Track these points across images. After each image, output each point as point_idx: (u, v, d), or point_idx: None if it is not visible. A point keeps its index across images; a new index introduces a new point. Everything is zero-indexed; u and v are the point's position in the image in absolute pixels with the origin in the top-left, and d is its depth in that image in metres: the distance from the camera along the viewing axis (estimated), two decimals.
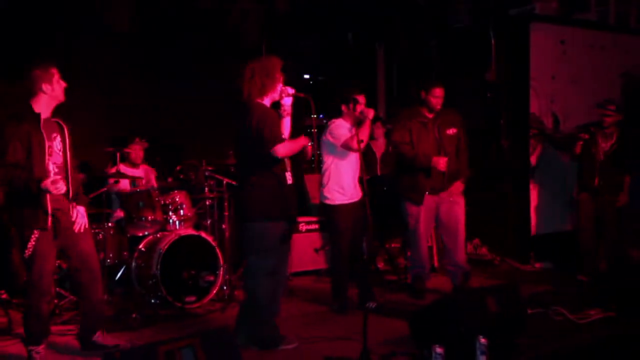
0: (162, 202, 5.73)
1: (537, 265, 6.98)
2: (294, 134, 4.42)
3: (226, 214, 5.96)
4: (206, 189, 6.04)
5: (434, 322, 3.96)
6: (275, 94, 4.24)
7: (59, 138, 4.03)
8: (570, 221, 7.26)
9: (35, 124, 3.91)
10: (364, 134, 4.95)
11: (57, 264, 4.16)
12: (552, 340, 4.35)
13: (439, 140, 5.51)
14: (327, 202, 5.14)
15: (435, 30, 7.74)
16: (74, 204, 4.10)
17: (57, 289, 5.12)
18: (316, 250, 6.74)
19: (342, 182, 5.08)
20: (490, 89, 7.21)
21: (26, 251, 3.87)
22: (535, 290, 5.71)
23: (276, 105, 4.32)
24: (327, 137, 5.15)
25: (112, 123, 6.58)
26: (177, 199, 5.79)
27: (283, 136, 4.23)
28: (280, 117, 4.28)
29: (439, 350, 3.53)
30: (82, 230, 4.12)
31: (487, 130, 7.27)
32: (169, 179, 6.35)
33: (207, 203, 6.09)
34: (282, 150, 4.09)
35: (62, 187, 3.81)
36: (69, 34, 6.31)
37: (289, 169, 4.29)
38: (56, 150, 4.01)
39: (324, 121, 7.96)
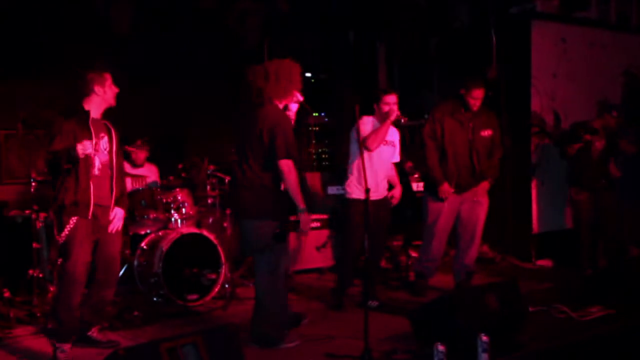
0: (164, 200, 5.73)
1: (538, 263, 6.99)
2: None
3: (228, 212, 5.96)
4: (208, 187, 6.05)
5: (435, 320, 3.97)
6: (291, 99, 4.27)
7: (106, 138, 4.18)
8: (571, 219, 7.27)
9: (83, 121, 4.05)
10: (378, 133, 4.96)
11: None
12: (553, 337, 4.35)
13: (472, 141, 5.46)
14: (347, 195, 5.15)
15: (436, 28, 7.73)
16: (114, 205, 4.21)
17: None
18: (318, 248, 6.74)
19: (360, 179, 5.01)
20: (491, 87, 7.19)
21: (62, 234, 3.97)
22: (536, 287, 5.71)
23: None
24: (353, 133, 5.13)
25: (113, 121, 6.54)
26: (179, 197, 5.79)
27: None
28: None
29: (441, 348, 3.53)
30: (113, 232, 4.21)
31: None
32: (171, 177, 6.34)
33: (209, 201, 6.10)
34: (287, 168, 4.06)
35: (88, 147, 3.89)
36: (69, 32, 6.31)
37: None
38: (102, 148, 4.14)
39: (325, 120, 8.01)
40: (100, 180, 4.11)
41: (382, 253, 5.45)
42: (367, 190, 4.29)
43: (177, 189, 5.86)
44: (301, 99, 4.30)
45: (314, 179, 7.39)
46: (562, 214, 7.29)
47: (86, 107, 4.14)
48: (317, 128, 7.88)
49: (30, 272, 5.12)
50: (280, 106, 4.24)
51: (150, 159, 6.43)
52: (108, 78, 4.19)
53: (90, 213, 4.02)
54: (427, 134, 5.51)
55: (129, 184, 6.12)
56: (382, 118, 5.05)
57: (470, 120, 5.47)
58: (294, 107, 4.33)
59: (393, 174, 5.30)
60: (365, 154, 4.98)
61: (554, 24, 7.29)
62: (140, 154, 6.28)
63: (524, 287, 4.61)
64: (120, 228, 4.27)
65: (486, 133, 5.52)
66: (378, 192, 5.09)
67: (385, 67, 8.50)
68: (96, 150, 4.07)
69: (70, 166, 3.94)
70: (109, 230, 4.19)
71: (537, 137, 7.16)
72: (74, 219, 3.98)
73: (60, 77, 5.48)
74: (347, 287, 5.21)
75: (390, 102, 5.03)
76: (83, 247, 4.02)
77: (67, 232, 3.97)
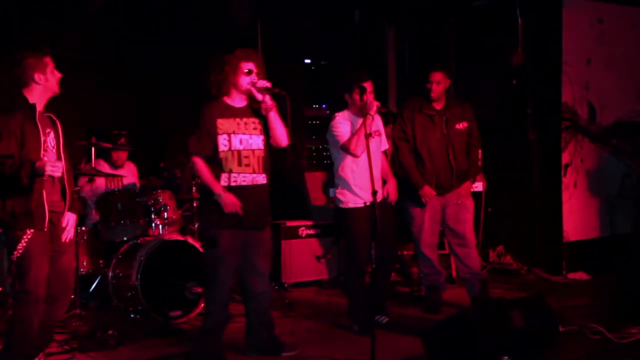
0: (144, 203, 5.74)
1: (570, 276, 6.98)
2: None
3: None
4: (193, 188, 6.05)
5: (450, 340, 3.97)
6: (242, 89, 4.34)
7: (52, 134, 4.07)
8: (608, 226, 7.27)
9: (30, 116, 3.95)
10: (360, 135, 4.83)
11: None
12: None
13: (446, 137, 5.54)
14: (341, 205, 5.10)
15: (454, 7, 7.73)
16: (67, 210, 4.15)
17: None
18: (318, 259, 6.75)
19: (356, 182, 5.02)
20: (517, 74, 7.20)
21: (15, 252, 3.88)
22: (567, 304, 5.71)
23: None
24: (328, 137, 5.15)
25: (88, 114, 6.57)
26: (161, 200, 5.81)
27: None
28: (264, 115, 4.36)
29: None
30: (67, 241, 4.17)
31: (512, 122, 7.27)
32: (152, 178, 6.36)
33: (195, 204, 6.10)
34: (192, 165, 4.36)
35: (59, 169, 3.84)
36: (48, 18, 6.33)
37: (258, 169, 4.34)
38: (50, 147, 4.05)
39: (327, 112, 8.00)
40: (51, 184, 4.03)
41: (393, 261, 5.43)
42: (375, 193, 4.29)
43: (159, 191, 5.88)
44: (262, 85, 4.27)
45: (314, 180, 7.40)
46: (598, 220, 7.29)
47: (29, 99, 3.99)
48: (318, 122, 7.90)
49: None
50: (236, 101, 4.38)
51: (128, 157, 6.44)
52: (49, 63, 4.03)
53: (47, 223, 3.96)
54: (397, 136, 5.59)
55: (102, 184, 6.13)
56: (358, 111, 4.96)
57: (442, 114, 5.56)
58: (260, 97, 4.30)
59: (384, 167, 5.23)
60: (350, 157, 5.01)
61: (589, 2, 7.28)
62: (122, 154, 6.30)
63: (554, 303, 4.60)
64: (72, 236, 4.21)
65: (461, 126, 5.61)
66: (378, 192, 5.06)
67: (394, 52, 8.50)
68: (44, 149, 3.97)
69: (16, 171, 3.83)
70: (62, 238, 4.13)
71: (569, 133, 7.16)
72: (29, 232, 3.89)
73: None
74: (366, 307, 5.14)
75: (368, 91, 4.94)
76: (43, 261, 3.96)
77: (22, 247, 3.88)
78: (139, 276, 5.23)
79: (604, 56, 7.35)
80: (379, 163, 5.14)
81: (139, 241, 5.60)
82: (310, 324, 5.42)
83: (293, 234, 6.72)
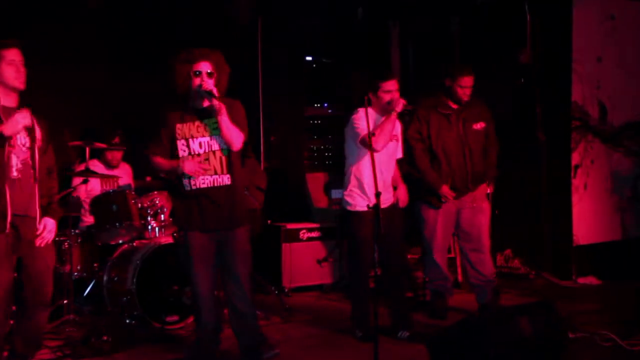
0: (139, 205, 5.72)
1: (580, 280, 6.96)
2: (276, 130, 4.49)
3: None
4: None
5: (456, 347, 3.94)
6: (190, 89, 4.31)
7: (23, 132, 3.98)
8: (620, 229, 7.23)
9: None
10: (384, 129, 4.85)
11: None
12: None
13: (463, 137, 5.50)
14: (349, 208, 5.05)
15: (459, 4, 7.71)
16: (41, 214, 4.07)
17: None
18: (319, 262, 6.72)
19: (365, 182, 4.98)
20: (524, 73, 7.19)
21: None
22: (577, 310, 5.68)
23: None
24: (348, 130, 5.07)
25: (81, 111, 6.54)
26: (157, 202, 5.79)
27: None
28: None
29: None
30: (43, 246, 4.10)
31: (520, 122, 7.24)
32: (148, 178, 6.33)
33: None
34: (155, 160, 4.37)
35: (22, 121, 3.82)
36: (45, 16, 6.33)
37: (221, 170, 4.31)
38: (20, 144, 3.97)
39: (329, 111, 7.99)
40: (19, 184, 3.94)
41: (403, 269, 5.38)
42: (378, 195, 4.26)
43: (155, 192, 5.86)
44: (208, 87, 4.24)
45: (316, 181, 7.37)
46: (609, 223, 7.26)
47: None
48: (319, 121, 7.86)
49: None
50: (198, 102, 4.35)
51: (123, 158, 6.41)
52: (5, 55, 3.93)
53: (8, 225, 3.87)
54: (412, 136, 5.53)
55: (97, 185, 6.10)
56: (383, 109, 4.94)
57: (459, 114, 5.51)
58: (207, 100, 4.31)
59: (396, 173, 5.23)
60: (367, 156, 4.91)
61: None
62: (117, 154, 6.27)
63: (563, 309, 4.57)
64: (50, 241, 4.14)
65: (479, 126, 5.57)
66: (387, 197, 5.02)
67: (398, 50, 8.48)
68: (11, 146, 3.90)
69: None
70: (37, 244, 4.05)
71: (579, 133, 7.13)
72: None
73: None
74: (369, 313, 5.09)
75: (392, 89, 4.93)
76: (2, 268, 3.88)
77: None
78: (134, 280, 5.20)
79: (615, 54, 7.33)
80: (392, 168, 5.13)
81: (134, 244, 5.58)
82: (311, 330, 5.40)
83: (293, 236, 6.69)
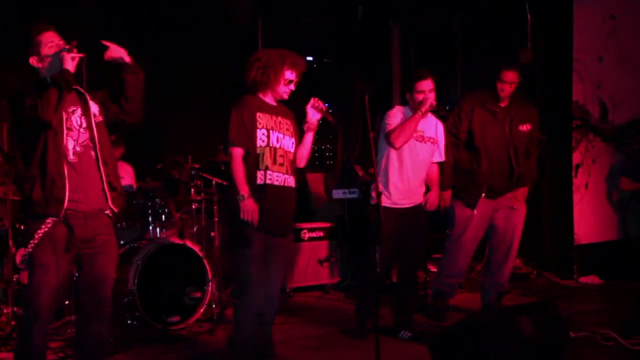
0: (141, 205, 5.74)
1: (582, 280, 6.97)
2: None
3: (216, 219, 5.96)
4: (192, 190, 6.04)
5: (457, 347, 3.95)
6: (278, 96, 4.28)
7: (79, 111, 3.69)
8: (621, 229, 7.25)
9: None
10: (404, 127, 4.86)
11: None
12: None
13: (509, 138, 5.39)
14: (372, 202, 5.01)
15: (460, 2, 7.72)
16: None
17: (15, 308, 5.14)
18: (321, 262, 6.74)
19: (392, 180, 4.98)
20: (525, 72, 7.17)
21: (28, 246, 3.54)
22: (579, 309, 5.70)
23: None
24: (382, 125, 5.06)
25: None
26: (158, 202, 5.79)
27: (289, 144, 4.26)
28: (302, 131, 4.37)
29: None
30: (95, 236, 3.69)
31: None
32: (149, 179, 6.35)
33: (194, 207, 6.09)
34: (229, 156, 4.19)
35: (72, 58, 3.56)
36: (43, 16, 6.34)
37: (289, 171, 4.25)
38: (76, 125, 3.66)
39: (330, 111, 8.00)
40: (77, 170, 3.60)
41: (417, 272, 5.39)
42: (379, 195, 4.28)
43: (156, 193, 5.86)
44: (323, 107, 4.30)
45: (316, 181, 7.39)
46: (610, 222, 7.28)
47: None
48: (320, 121, 7.87)
49: None
50: (269, 98, 4.29)
51: (124, 158, 6.44)
52: (42, 40, 3.69)
53: (63, 211, 3.52)
54: (449, 130, 5.39)
55: None
56: (415, 109, 4.95)
57: (506, 112, 5.42)
58: (312, 115, 4.35)
59: (432, 175, 5.17)
60: (395, 153, 4.96)
61: None
62: (116, 152, 6.28)
63: (565, 309, 4.58)
64: (114, 239, 3.81)
65: (525, 128, 5.45)
66: (412, 198, 5.01)
67: (399, 49, 8.50)
68: (68, 127, 3.61)
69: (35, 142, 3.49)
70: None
71: (580, 132, 7.15)
72: (39, 232, 3.51)
73: None
74: (369, 312, 5.13)
75: (426, 89, 4.90)
76: (49, 268, 3.54)
77: (29, 249, 3.54)
78: (136, 281, 5.22)
79: (616, 53, 7.34)
80: (424, 169, 5.07)
81: (135, 245, 5.59)
82: (313, 330, 5.41)
83: (295, 237, 6.69)
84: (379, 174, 5.00)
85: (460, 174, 5.43)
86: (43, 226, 3.53)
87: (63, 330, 5.11)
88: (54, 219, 3.53)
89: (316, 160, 7.82)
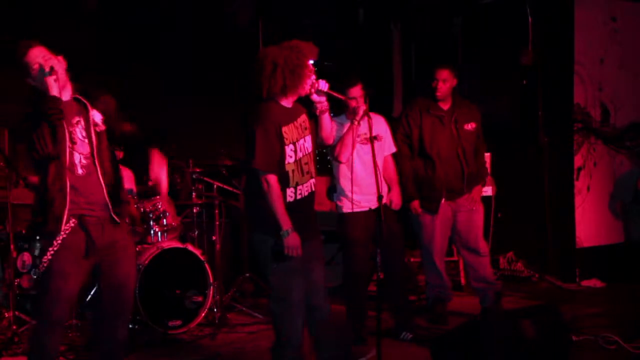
0: (141, 209, 5.77)
1: (584, 283, 6.98)
2: None
3: (217, 223, 5.98)
4: (193, 194, 6.07)
5: (459, 350, 3.97)
6: (302, 92, 3.96)
7: (82, 123, 3.72)
8: (623, 232, 7.27)
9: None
10: (344, 142, 4.88)
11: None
12: None
13: (457, 138, 5.51)
14: (339, 210, 5.13)
15: (461, 5, 7.74)
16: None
17: (17, 312, 5.17)
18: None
19: (351, 188, 5.02)
20: (526, 75, 7.21)
21: (40, 266, 3.62)
22: (581, 312, 5.71)
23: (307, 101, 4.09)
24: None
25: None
26: (159, 206, 5.82)
27: (328, 136, 4.07)
28: (315, 116, 4.10)
29: None
30: (114, 241, 3.76)
31: (522, 124, 7.28)
32: (150, 183, 6.37)
33: (195, 211, 6.12)
34: (266, 185, 3.75)
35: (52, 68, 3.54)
36: (33, 13, 6.35)
37: (314, 172, 4.03)
38: (80, 137, 3.70)
39: (331, 114, 8.00)
40: (86, 182, 3.67)
41: (400, 271, 5.44)
42: (380, 198, 4.29)
43: (157, 197, 5.89)
44: (324, 87, 3.98)
45: (319, 184, 7.39)
46: (612, 225, 7.29)
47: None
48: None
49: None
50: (290, 102, 3.95)
51: (123, 162, 6.44)
52: (29, 59, 3.67)
53: (62, 227, 3.59)
54: (400, 140, 5.50)
55: None
56: (349, 115, 4.98)
57: (450, 114, 5.52)
58: (318, 98, 3.99)
59: (390, 172, 5.21)
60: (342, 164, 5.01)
61: (602, 0, 7.28)
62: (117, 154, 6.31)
63: (567, 312, 4.59)
64: (131, 244, 3.92)
65: (470, 126, 5.57)
66: (373, 200, 4.91)
67: (400, 51, 8.52)
68: (72, 141, 3.64)
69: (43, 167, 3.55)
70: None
71: (581, 135, 7.17)
72: (54, 245, 3.57)
73: None
74: (363, 317, 5.16)
75: (357, 96, 4.87)
76: (65, 278, 3.60)
77: (45, 262, 3.58)
78: (137, 285, 5.22)
79: (617, 55, 7.36)
80: (378, 166, 4.91)
81: (137, 249, 5.61)
82: None
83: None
84: (337, 184, 5.12)
85: (417, 182, 5.53)
86: (62, 233, 3.59)
87: (65, 334, 5.10)
88: (72, 225, 3.61)
89: (317, 164, 7.82)
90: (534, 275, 7.17)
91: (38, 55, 3.67)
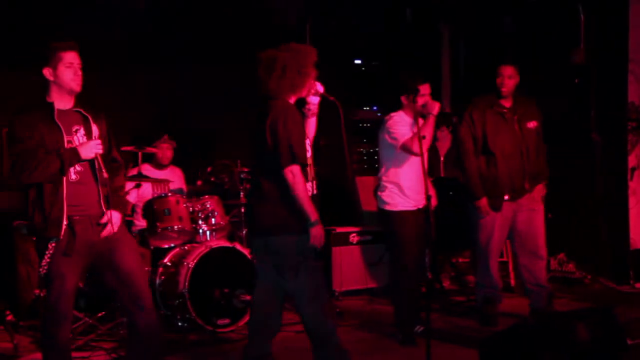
0: (191, 209, 5.80)
1: (638, 285, 6.85)
2: (325, 133, 4.43)
3: None
4: (242, 193, 6.10)
5: (509, 353, 3.90)
6: (305, 92, 4.10)
7: (82, 131, 3.90)
8: None
9: (46, 115, 3.80)
10: (427, 132, 4.91)
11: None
12: None
13: (520, 136, 5.44)
14: (387, 207, 5.08)
15: (511, 4, 7.64)
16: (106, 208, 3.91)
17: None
18: (371, 266, 6.71)
19: (404, 185, 5.03)
20: (579, 73, 7.09)
21: (41, 269, 3.81)
22: (636, 315, 5.58)
23: (301, 102, 4.19)
24: (385, 136, 5.11)
25: (129, 116, 6.64)
26: (209, 206, 5.85)
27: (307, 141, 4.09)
28: (304, 117, 4.15)
29: None
30: (105, 236, 3.91)
31: (575, 123, 7.16)
32: (199, 182, 6.42)
33: (243, 210, 6.14)
34: (291, 176, 3.81)
35: (96, 149, 3.79)
36: (79, 12, 6.43)
37: (310, 178, 4.10)
38: (77, 145, 3.84)
39: (378, 114, 7.98)
40: (80, 186, 3.85)
41: (422, 268, 5.41)
42: (429, 198, 4.25)
43: (206, 196, 5.93)
44: (320, 90, 4.12)
45: (365, 184, 7.38)
46: None
47: (47, 97, 3.87)
48: (369, 125, 7.87)
49: (37, 292, 5.24)
50: (293, 101, 4.08)
51: (174, 162, 6.52)
52: (64, 57, 3.81)
53: (63, 230, 3.76)
54: (464, 139, 5.49)
55: (149, 189, 6.22)
56: (416, 113, 4.97)
57: (513, 112, 5.46)
58: (313, 100, 4.15)
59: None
60: (405, 158, 5.00)
61: None
62: (167, 152, 6.39)
63: (621, 315, 4.49)
64: (125, 232, 4.08)
65: (532, 124, 5.50)
66: (421, 199, 4.95)
67: (449, 51, 8.45)
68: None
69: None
70: (101, 235, 3.90)
71: (635, 134, 7.02)
72: (50, 248, 3.77)
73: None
74: (415, 316, 5.12)
75: (426, 93, 4.99)
76: (65, 278, 3.81)
77: (45, 265, 3.78)
78: (186, 284, 5.28)
79: None
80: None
81: (186, 248, 5.66)
82: (361, 334, 5.41)
83: (343, 240, 6.71)
84: (389, 182, 5.08)
85: (481, 179, 5.46)
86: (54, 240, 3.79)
87: (116, 332, 5.19)
88: (64, 227, 3.79)
89: (365, 163, 7.80)
90: (586, 276, 7.04)
91: (75, 59, 3.86)
